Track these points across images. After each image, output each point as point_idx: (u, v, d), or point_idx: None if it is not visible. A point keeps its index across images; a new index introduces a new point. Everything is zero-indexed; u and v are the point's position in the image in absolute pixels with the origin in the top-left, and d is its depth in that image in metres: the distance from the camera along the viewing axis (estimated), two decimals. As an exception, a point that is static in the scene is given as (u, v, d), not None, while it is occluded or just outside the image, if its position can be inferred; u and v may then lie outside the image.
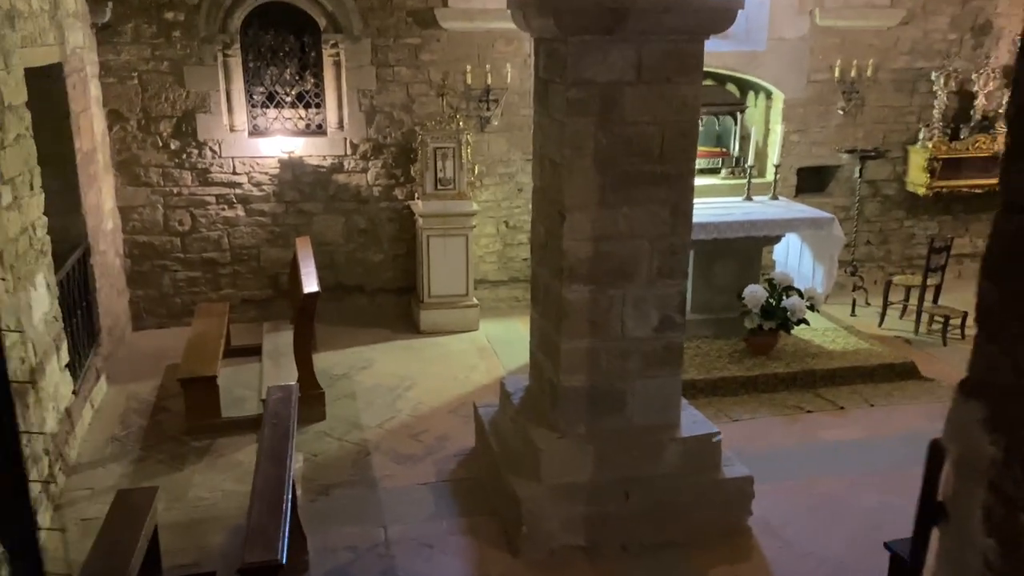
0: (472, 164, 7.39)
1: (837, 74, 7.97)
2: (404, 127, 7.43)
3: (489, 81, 7.32)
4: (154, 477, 4.93)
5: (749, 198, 7.31)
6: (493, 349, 7.07)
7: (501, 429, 4.90)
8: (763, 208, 7.11)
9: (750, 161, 7.37)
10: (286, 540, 2.65)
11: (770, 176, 8.11)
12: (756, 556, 4.27)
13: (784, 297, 6.40)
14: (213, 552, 4.20)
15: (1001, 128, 8.14)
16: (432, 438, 5.55)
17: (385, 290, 7.76)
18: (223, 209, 7.39)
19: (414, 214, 7.40)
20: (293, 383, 3.82)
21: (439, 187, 7.21)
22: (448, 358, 6.90)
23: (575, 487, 4.27)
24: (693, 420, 4.56)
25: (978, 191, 8.37)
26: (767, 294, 6.34)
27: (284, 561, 2.61)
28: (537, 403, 4.67)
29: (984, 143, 8.15)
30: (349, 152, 7.43)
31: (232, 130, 7.24)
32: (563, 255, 4.13)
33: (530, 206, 7.83)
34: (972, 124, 8.22)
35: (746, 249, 6.86)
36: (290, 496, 2.89)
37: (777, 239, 7.00)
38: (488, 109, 7.44)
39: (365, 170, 7.50)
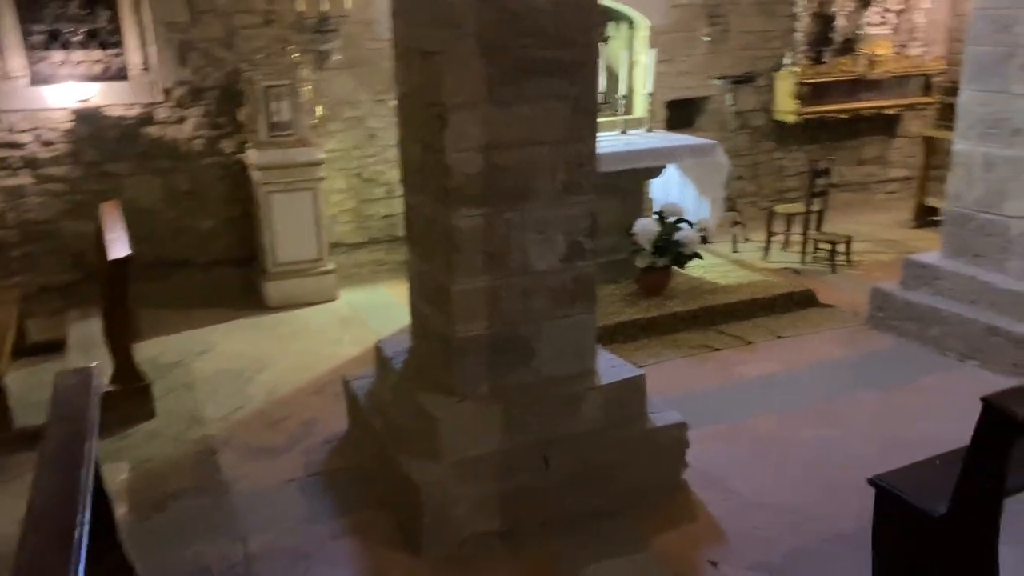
0: (313, 104, 6.33)
1: (701, -4, 7.51)
2: (227, 66, 6.26)
3: (325, 7, 6.27)
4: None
5: (624, 132, 6.71)
6: (359, 318, 6.11)
7: (382, 402, 4.00)
8: (642, 139, 6.52)
9: (621, 91, 6.75)
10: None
11: (640, 111, 7.56)
12: (702, 514, 3.62)
13: (676, 229, 5.83)
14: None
15: (862, 49, 7.98)
16: (295, 425, 4.56)
17: (221, 262, 6.58)
18: (4, 177, 5.97)
19: (247, 168, 6.28)
20: (93, 365, 2.75)
21: (275, 133, 6.11)
22: (306, 333, 5.88)
23: (483, 460, 3.45)
24: (611, 364, 3.84)
25: (844, 116, 8.20)
26: (659, 228, 5.74)
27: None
28: (425, 365, 3.81)
29: (847, 65, 7.95)
30: (160, 99, 6.18)
31: (6, 78, 5.83)
32: (447, 172, 3.27)
33: (386, 155, 6.97)
34: (834, 47, 8.01)
35: (628, 184, 6.25)
36: (89, 517, 1.90)
37: (660, 171, 6.43)
38: (326, 41, 6.40)
39: (182, 120, 6.27)
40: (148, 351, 5.48)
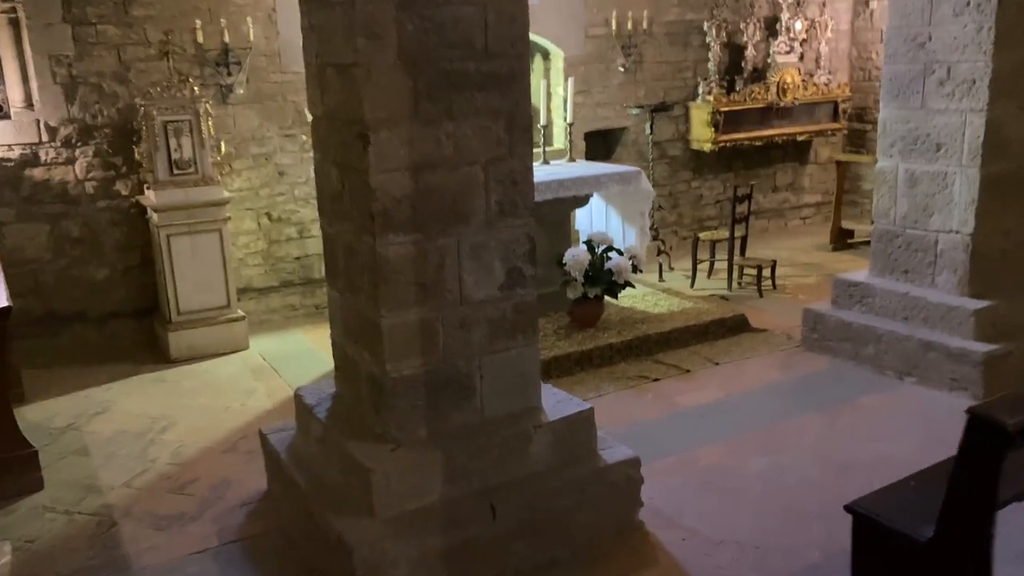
0: (217, 140, 5.93)
1: (614, 27, 7.48)
2: (120, 102, 5.80)
3: (227, 39, 5.92)
4: None
5: (546, 162, 6.54)
6: (273, 367, 5.67)
7: (305, 456, 3.61)
8: (565, 169, 6.36)
9: (542, 121, 6.59)
10: None
11: (560, 142, 7.44)
12: (663, 556, 3.35)
13: (606, 258, 5.65)
14: None
15: (772, 78, 8.11)
16: (205, 488, 4.10)
17: (118, 314, 6.03)
18: None
19: (146, 211, 5.80)
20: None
21: (176, 171, 5.67)
22: (214, 386, 5.40)
23: (423, 513, 3.10)
24: (556, 399, 3.57)
25: (758, 143, 8.29)
26: (590, 256, 5.55)
27: None
28: (354, 411, 3.45)
29: (759, 93, 8.05)
30: (46, 138, 5.66)
31: None
32: (372, 195, 2.97)
33: (297, 192, 6.60)
34: (745, 75, 8.11)
35: (555, 214, 6.06)
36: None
37: (586, 200, 6.27)
38: (229, 75, 6.02)
39: (71, 160, 5.76)
40: (35, 414, 4.92)
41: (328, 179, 3.34)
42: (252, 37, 6.01)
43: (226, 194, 5.87)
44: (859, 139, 9.07)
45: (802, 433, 4.42)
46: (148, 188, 5.75)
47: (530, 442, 3.31)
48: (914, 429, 4.41)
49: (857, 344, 5.24)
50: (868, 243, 8.25)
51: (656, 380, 5.19)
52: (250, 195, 6.35)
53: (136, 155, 5.78)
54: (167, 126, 5.62)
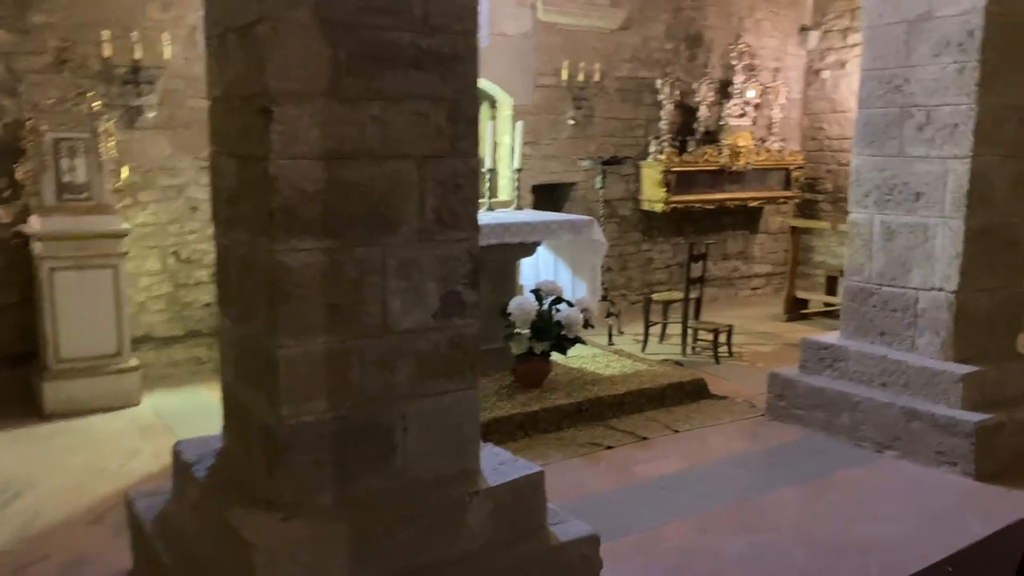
0: (119, 165, 5.23)
1: (565, 77, 7.11)
2: (6, 116, 5.08)
3: (138, 56, 5.29)
4: None
5: (491, 208, 6.01)
6: (166, 426, 4.86)
7: (177, 527, 2.84)
8: (512, 215, 5.83)
9: (488, 165, 6.08)
10: None
11: (506, 193, 6.95)
12: (628, 662, 2.66)
13: (555, 310, 5.07)
14: None
15: (725, 140, 7.82)
16: (55, 568, 3.26)
17: (-13, 360, 5.17)
18: None
19: (28, 242, 5.03)
20: None
21: (66, 196, 4.94)
22: (92, 445, 4.56)
23: (322, 604, 2.37)
24: (499, 460, 2.90)
25: (710, 207, 7.94)
26: (537, 306, 4.96)
27: None
28: (242, 471, 2.72)
29: (712, 155, 7.74)
30: (-88, 153, 4.90)
31: None
32: (272, 186, 2.34)
33: (209, 230, 5.87)
34: (697, 136, 7.81)
35: (499, 262, 5.48)
36: None
37: (533, 248, 5.71)
38: (139, 95, 5.38)
39: (-58, 179, 4.99)
40: None
41: (224, 176, 2.71)
42: (169, 56, 5.40)
43: (125, 226, 5.13)
44: (810, 209, 8.82)
45: (780, 510, 3.82)
46: (32, 213, 4.99)
47: (465, 512, 2.63)
48: (904, 507, 3.85)
49: (830, 412, 4.72)
50: (823, 314, 8.00)
51: (610, 448, 4.56)
52: (156, 231, 5.63)
53: (18, 175, 5.02)
54: (58, 144, 4.91)
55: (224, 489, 2.70)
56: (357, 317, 2.49)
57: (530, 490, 2.77)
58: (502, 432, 4.56)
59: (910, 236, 4.53)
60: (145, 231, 5.56)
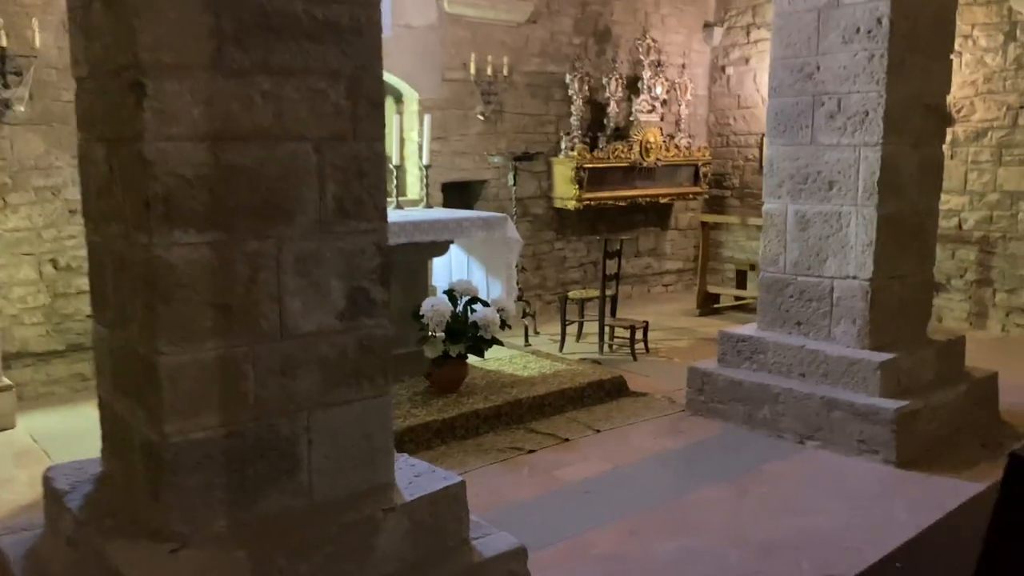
0: (-18, 163, 4.74)
1: (473, 72, 6.91)
2: None
3: (4, 43, 4.81)
4: None
5: (399, 206, 5.75)
6: (44, 451, 4.40)
7: (50, 565, 2.49)
8: (422, 213, 5.59)
9: (395, 161, 5.82)
10: None
11: (415, 192, 6.71)
12: None
13: (471, 311, 4.85)
14: None
15: (635, 136, 7.77)
16: (-95, 620, 2.83)
17: None
18: None
19: None
20: None
21: (-79, 198, 4.43)
22: (-44, 475, 4.08)
23: (218, 646, 2.09)
24: (414, 472, 2.66)
25: (622, 203, 7.88)
26: (452, 307, 4.74)
27: None
28: (123, 496, 2.40)
29: (623, 152, 7.68)
30: None
31: None
32: (148, 171, 2.04)
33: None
34: (608, 133, 7.74)
35: (410, 262, 5.24)
36: None
37: (445, 247, 5.49)
38: (6, 87, 4.89)
39: None
40: None
41: (94, 163, 2.38)
42: (38, 44, 4.93)
43: (-8, 230, 4.66)
44: (719, 205, 8.90)
45: (709, 509, 3.70)
46: None
47: (378, 532, 2.38)
48: (831, 499, 3.80)
49: (750, 405, 4.67)
50: (735, 308, 8.06)
51: (531, 452, 4.38)
52: (30, 236, 5.14)
53: None
54: (-90, 140, 4.39)
55: (103, 520, 2.37)
56: (251, 319, 2.22)
57: (450, 503, 2.54)
58: (417, 441, 4.32)
59: (824, 225, 4.52)
60: (18, 237, 5.07)
